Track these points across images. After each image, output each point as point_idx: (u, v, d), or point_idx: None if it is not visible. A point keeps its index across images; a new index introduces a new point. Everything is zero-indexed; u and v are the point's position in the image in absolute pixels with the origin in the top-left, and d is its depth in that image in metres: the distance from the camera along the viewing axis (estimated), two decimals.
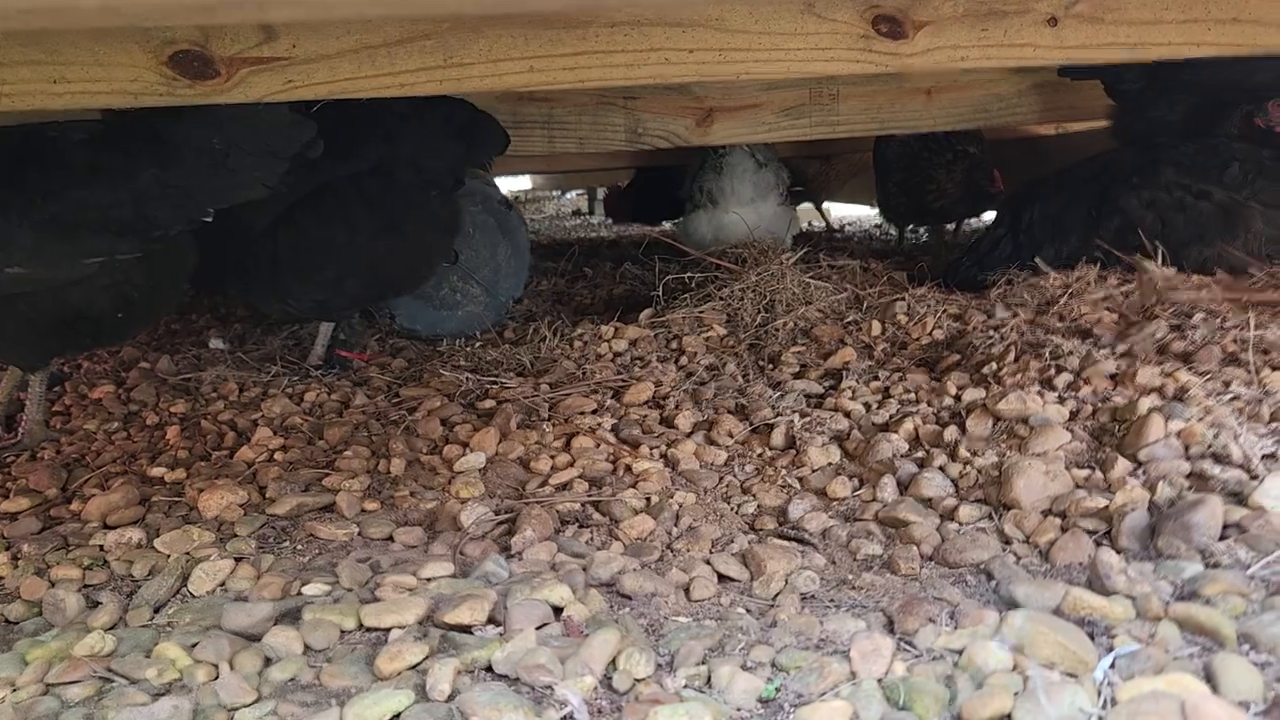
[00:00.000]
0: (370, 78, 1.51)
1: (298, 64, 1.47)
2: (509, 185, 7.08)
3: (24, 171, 1.49)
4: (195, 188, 1.56)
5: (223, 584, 1.17)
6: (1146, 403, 1.40)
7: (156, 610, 1.12)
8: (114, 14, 0.63)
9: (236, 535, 1.30)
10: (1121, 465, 1.27)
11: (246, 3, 0.60)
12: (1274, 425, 1.34)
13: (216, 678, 0.95)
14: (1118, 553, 1.07)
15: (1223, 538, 1.08)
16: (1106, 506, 1.18)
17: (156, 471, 1.55)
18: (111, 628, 1.07)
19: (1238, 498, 1.15)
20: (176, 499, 1.44)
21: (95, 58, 1.40)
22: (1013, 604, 0.99)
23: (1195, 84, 2.30)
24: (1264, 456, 1.25)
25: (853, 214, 5.68)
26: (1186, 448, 1.30)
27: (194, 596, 1.15)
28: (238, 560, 1.21)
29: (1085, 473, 1.28)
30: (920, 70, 1.64)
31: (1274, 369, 1.50)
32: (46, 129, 1.54)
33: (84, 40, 1.39)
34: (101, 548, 1.29)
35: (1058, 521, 1.19)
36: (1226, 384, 1.48)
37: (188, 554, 1.24)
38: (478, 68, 1.52)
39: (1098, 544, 1.13)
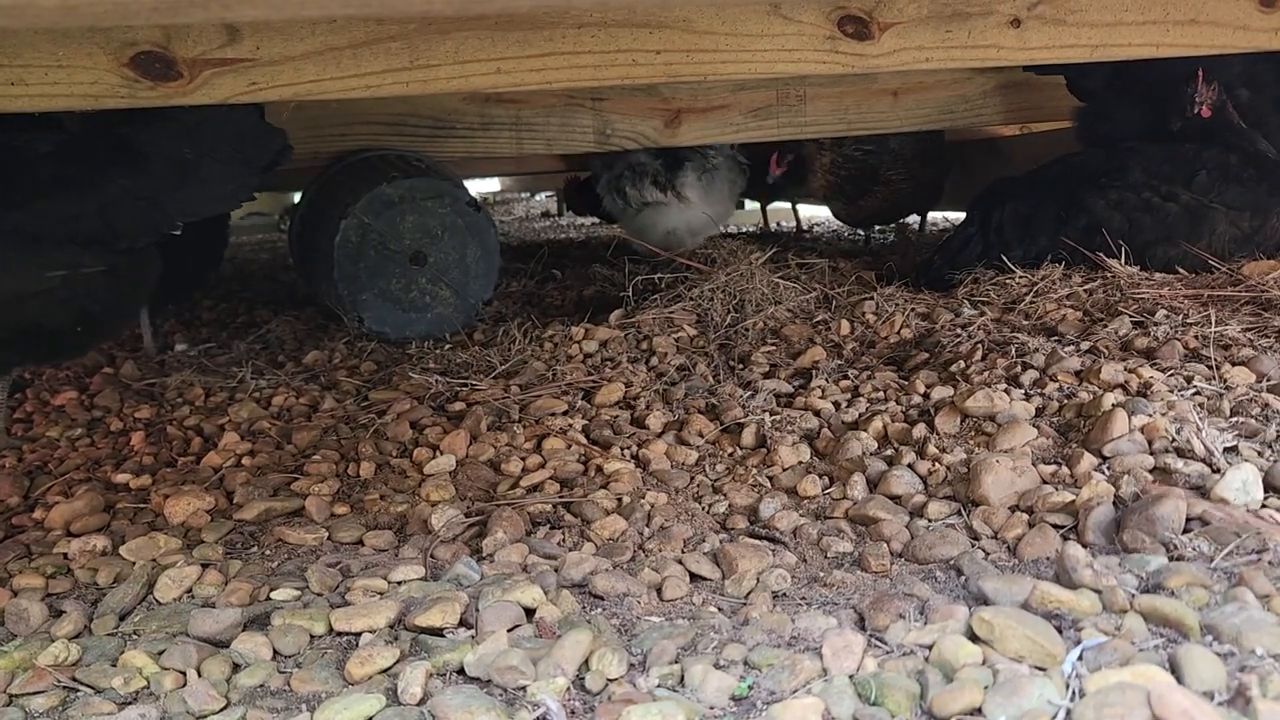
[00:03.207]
0: (335, 79, 1.50)
1: (261, 66, 1.46)
2: (477, 187, 7.06)
3: None
4: (165, 198, 1.53)
5: (189, 590, 1.15)
6: (1111, 399, 1.41)
7: (122, 618, 1.10)
8: (73, 13, 0.62)
9: (203, 541, 1.29)
10: (1087, 461, 1.28)
11: (211, 2, 0.59)
12: (1235, 419, 1.36)
13: (184, 685, 0.94)
14: (1084, 547, 1.08)
15: (1186, 530, 1.09)
16: (1073, 502, 1.20)
17: (121, 478, 1.53)
18: (76, 636, 1.06)
19: (1200, 491, 1.17)
20: (142, 506, 1.42)
21: (55, 60, 1.38)
22: (982, 599, 0.99)
23: (1145, 83, 2.34)
24: (1225, 450, 1.27)
25: (821, 214, 5.70)
26: (1150, 442, 1.31)
27: (160, 604, 1.13)
28: (205, 566, 1.19)
29: (1052, 468, 1.30)
30: (886, 71, 1.65)
31: (1234, 364, 1.53)
32: (10, 138, 1.51)
33: (44, 42, 1.37)
34: (65, 556, 1.27)
35: (1025, 517, 1.20)
36: (1189, 379, 1.50)
37: (154, 561, 1.23)
38: (444, 69, 1.52)
39: (1065, 539, 1.14)
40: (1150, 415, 1.35)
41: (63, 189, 1.47)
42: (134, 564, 1.22)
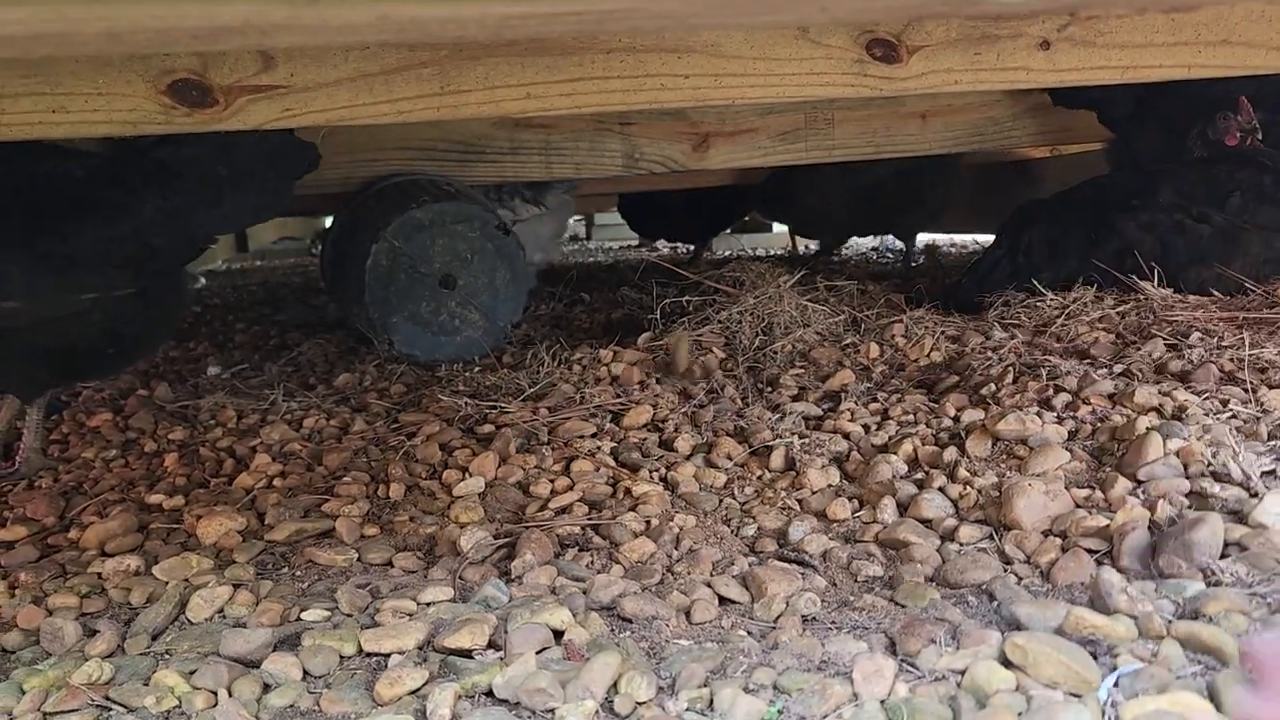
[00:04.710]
0: (368, 105, 1.52)
1: (296, 92, 1.48)
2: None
3: (22, 206, 1.49)
4: (199, 216, 1.56)
5: (221, 610, 1.16)
6: (1145, 422, 1.40)
7: (154, 638, 1.11)
8: (116, 40, 0.64)
9: (235, 562, 1.30)
10: (1121, 484, 1.27)
11: (250, 29, 0.61)
12: (1272, 443, 1.34)
13: (215, 704, 0.95)
14: (1119, 572, 1.07)
15: (1224, 556, 1.08)
16: (1107, 526, 1.18)
17: (155, 499, 1.54)
18: (109, 655, 1.07)
19: (1238, 516, 1.15)
20: (175, 526, 1.43)
21: (95, 87, 1.41)
22: (1015, 624, 0.98)
23: (1168, 108, 2.33)
24: (1263, 474, 1.25)
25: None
26: (1186, 466, 1.30)
27: (192, 623, 1.14)
28: (236, 586, 1.20)
29: (1085, 492, 1.28)
30: (914, 94, 1.65)
31: (1271, 387, 1.50)
32: (46, 161, 1.54)
33: (84, 70, 1.40)
34: (99, 575, 1.28)
35: (1058, 541, 1.19)
36: (1224, 403, 1.48)
37: (186, 581, 1.24)
38: (475, 94, 1.53)
39: (1099, 563, 1.12)
40: (1185, 439, 1.33)
41: (99, 212, 1.50)
42: (167, 584, 1.23)
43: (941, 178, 3.47)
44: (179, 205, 1.53)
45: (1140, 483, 1.28)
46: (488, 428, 1.77)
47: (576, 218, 8.03)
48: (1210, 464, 1.28)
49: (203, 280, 4.82)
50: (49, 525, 1.49)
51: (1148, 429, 1.36)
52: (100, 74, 1.41)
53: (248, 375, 2.38)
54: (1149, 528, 1.16)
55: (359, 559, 1.31)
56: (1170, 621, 0.95)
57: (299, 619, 1.13)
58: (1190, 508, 1.20)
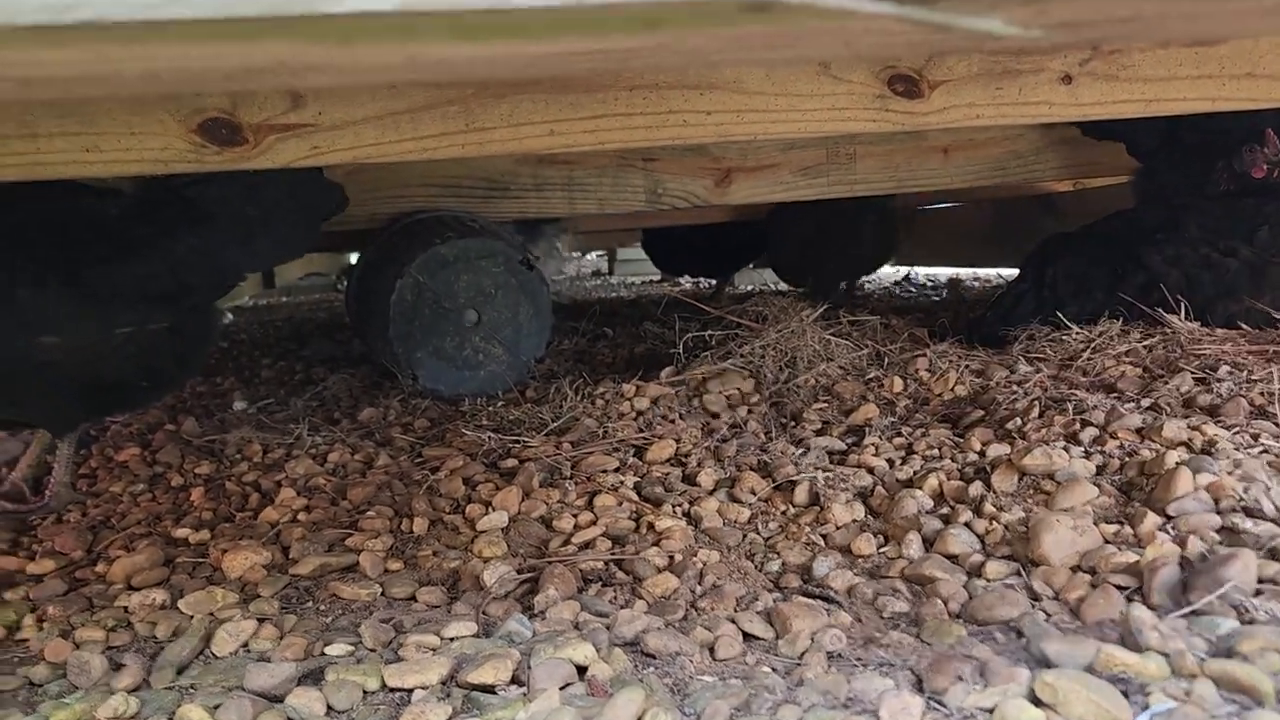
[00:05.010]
0: (394, 143, 1.54)
1: (323, 130, 1.51)
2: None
3: (60, 243, 1.52)
4: (231, 254, 1.58)
5: (245, 645, 1.16)
6: (1174, 457, 1.38)
7: (179, 672, 1.11)
8: (153, 80, 0.66)
9: (260, 596, 1.30)
10: (1151, 520, 1.25)
11: (283, 69, 0.62)
12: None
13: None
14: (1150, 609, 1.05)
15: (1258, 593, 1.06)
16: (1137, 562, 1.17)
17: (181, 533, 1.55)
18: (135, 689, 1.07)
19: (1271, 552, 1.14)
20: (200, 560, 1.44)
21: (128, 127, 1.44)
22: (1044, 661, 0.97)
23: (1195, 141, 2.32)
24: None
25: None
26: (1216, 501, 1.28)
27: (217, 658, 1.14)
28: (261, 621, 1.20)
29: (1114, 528, 1.27)
30: (936, 128, 1.66)
31: None
32: (82, 199, 1.58)
33: (117, 110, 1.43)
34: (126, 609, 1.29)
35: (1087, 577, 1.17)
36: (1255, 437, 1.46)
37: (211, 615, 1.24)
38: (499, 132, 1.55)
39: (1129, 600, 1.11)
40: (1216, 474, 1.32)
41: (135, 249, 1.52)
42: (192, 618, 1.24)
43: (857, 228, 3.60)
44: (211, 243, 1.55)
45: (1170, 518, 1.26)
46: (511, 462, 1.78)
47: (599, 253, 8.09)
48: (1242, 499, 1.26)
49: (230, 316, 4.87)
50: (77, 559, 1.50)
51: (1177, 464, 1.34)
52: (133, 114, 1.44)
53: (273, 410, 2.40)
54: (1180, 564, 1.14)
55: (383, 593, 1.31)
56: (1203, 660, 0.93)
57: (323, 653, 1.13)
58: (1222, 544, 1.18)
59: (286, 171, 1.53)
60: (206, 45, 0.55)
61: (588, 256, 8.38)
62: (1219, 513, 1.25)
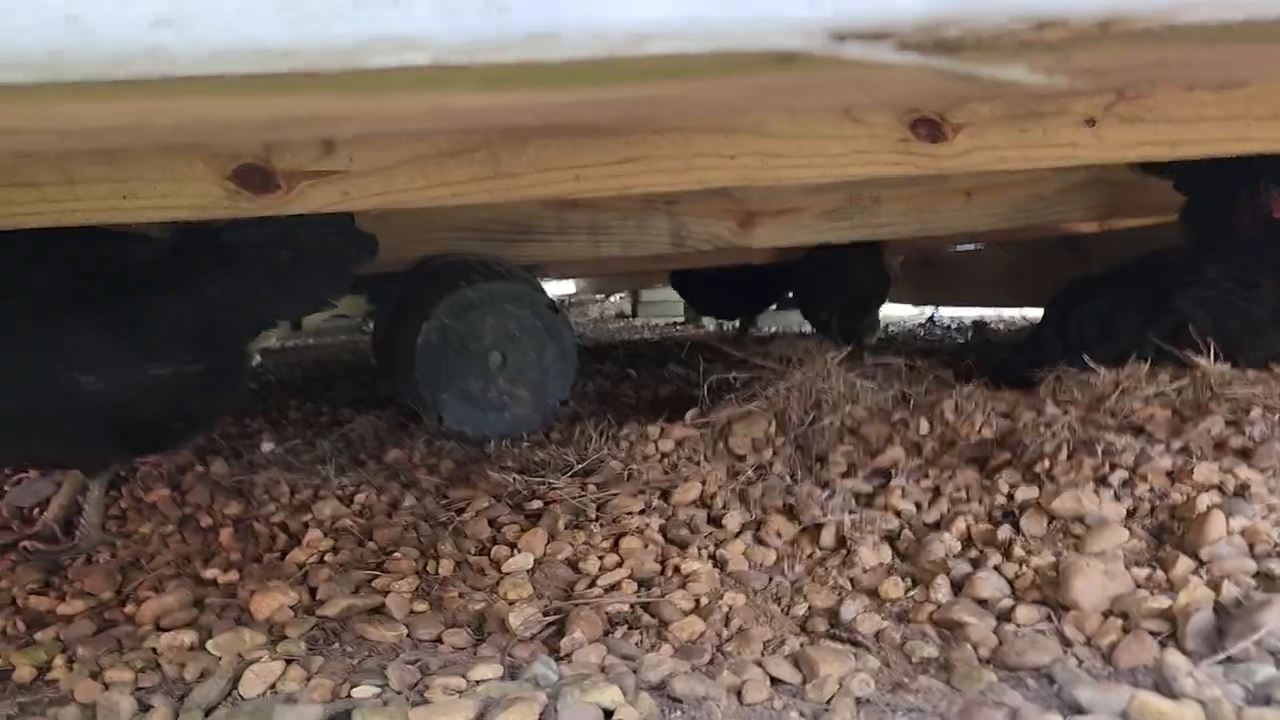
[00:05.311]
0: (423, 188, 1.57)
1: (354, 176, 1.53)
2: (554, 289, 7.20)
3: (99, 285, 1.55)
4: (266, 299, 1.61)
5: (273, 686, 1.16)
6: (1206, 500, 1.37)
7: (207, 713, 1.12)
8: (189, 131, 0.68)
9: (287, 637, 1.31)
10: (1183, 564, 1.24)
11: (316, 120, 0.64)
12: None
13: None
14: (1184, 655, 1.04)
15: None
16: (1170, 607, 1.15)
17: (210, 574, 1.56)
18: None
19: None
20: (229, 601, 1.45)
21: (164, 174, 1.47)
22: (1076, 708, 0.96)
23: (1230, 178, 2.29)
24: None
25: (896, 314, 5.69)
26: (1251, 546, 1.26)
27: (244, 699, 1.14)
28: (288, 662, 1.21)
29: (1146, 572, 1.25)
30: (959, 172, 1.66)
31: None
32: (120, 242, 1.61)
33: (153, 157, 1.46)
34: (154, 650, 1.29)
35: (1119, 623, 1.16)
36: None
37: (239, 656, 1.25)
38: (526, 177, 1.57)
39: (1162, 646, 1.09)
40: (1250, 518, 1.30)
41: (171, 292, 1.55)
42: (220, 659, 1.24)
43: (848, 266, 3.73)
44: (245, 286, 1.58)
45: (1203, 563, 1.24)
46: (536, 504, 1.78)
47: (621, 295, 8.11)
48: (1277, 544, 1.25)
49: (258, 358, 4.92)
50: (106, 600, 1.51)
51: (1209, 507, 1.33)
52: (169, 161, 1.47)
53: (301, 451, 2.41)
54: (1214, 609, 1.12)
55: (409, 635, 1.31)
56: (1241, 707, 0.92)
57: (349, 695, 1.13)
58: (1257, 589, 1.16)
59: (319, 216, 1.55)
60: (244, 98, 0.56)
61: (611, 298, 8.42)
62: (1254, 557, 1.24)
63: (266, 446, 2.49)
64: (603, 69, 0.52)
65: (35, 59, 0.44)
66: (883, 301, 4.11)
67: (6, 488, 2.09)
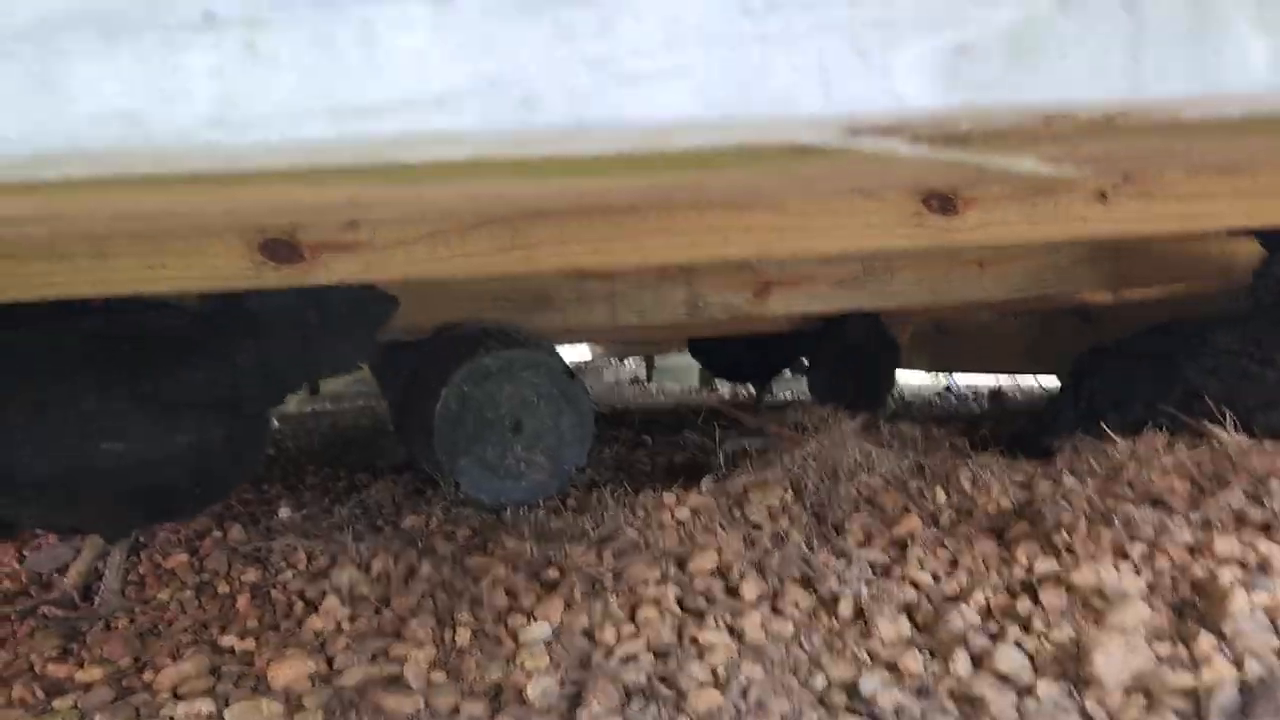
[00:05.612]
0: (444, 260, 1.60)
1: (377, 249, 1.57)
2: (568, 354, 7.24)
3: (125, 352, 1.58)
4: (291, 364, 1.64)
5: None
6: (1228, 575, 1.36)
7: None
8: (231, 215, 0.70)
9: (304, 707, 1.31)
10: (1206, 640, 1.23)
11: (349, 205, 0.66)
12: None
13: None
14: None
15: None
16: (1193, 683, 1.14)
17: (227, 641, 1.57)
18: None
19: None
20: (246, 669, 1.45)
21: (194, 247, 1.52)
22: None
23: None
24: None
25: (912, 382, 5.69)
26: (1273, 621, 1.25)
27: None
28: None
29: (1168, 648, 1.24)
30: (971, 244, 1.69)
31: None
32: (147, 310, 1.64)
33: (185, 230, 1.50)
34: (172, 718, 1.30)
35: (1142, 699, 1.15)
36: None
37: None
38: (545, 249, 1.61)
39: None
40: (1272, 593, 1.29)
41: (197, 358, 1.58)
42: None
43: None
44: (269, 352, 1.61)
45: (1226, 638, 1.23)
46: (553, 572, 1.78)
47: (636, 360, 8.15)
48: None
49: (275, 423, 4.95)
50: (124, 667, 1.52)
51: (1231, 582, 1.32)
52: (199, 234, 1.51)
53: (318, 517, 2.42)
54: (1238, 686, 1.11)
55: (426, 705, 1.31)
56: None
57: None
58: None
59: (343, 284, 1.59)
60: (289, 188, 0.59)
61: (626, 364, 8.45)
62: (1276, 633, 1.23)
63: (284, 512, 2.50)
64: (630, 161, 0.55)
65: (94, 154, 0.47)
66: (892, 368, 4.12)
67: (26, 552, 2.11)
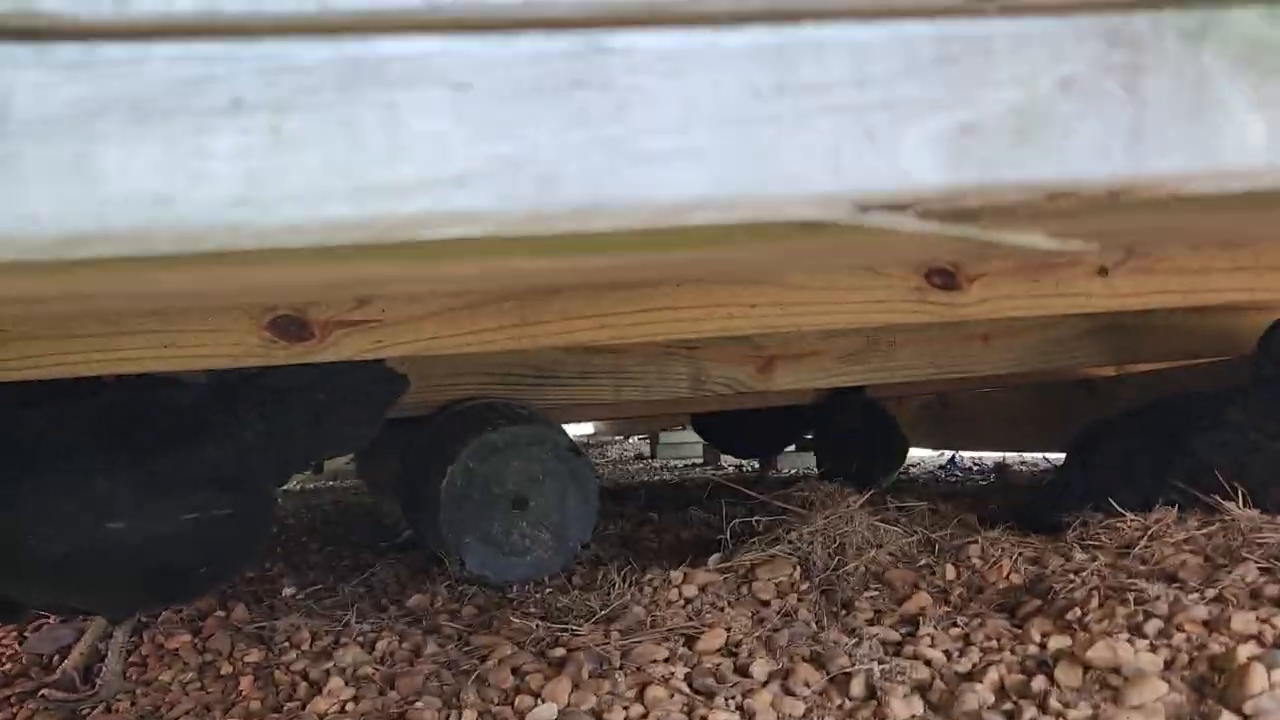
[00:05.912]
0: (452, 336, 1.62)
1: (386, 325, 1.59)
2: (573, 430, 7.22)
3: (131, 431, 1.59)
4: (299, 441, 1.64)
5: None
6: (1245, 651, 1.34)
7: None
8: (248, 292, 0.72)
9: None
10: (1226, 719, 1.20)
11: (365, 282, 0.68)
12: None
13: None
14: None
15: None
16: None
17: None
18: None
19: None
20: None
21: (204, 324, 1.53)
22: None
23: None
24: None
25: (917, 455, 5.67)
26: None
27: None
28: None
29: None
30: (974, 319, 1.70)
31: None
32: (156, 388, 1.65)
33: (195, 308, 1.52)
34: None
35: None
36: None
37: None
38: (552, 325, 1.62)
39: None
40: None
41: (205, 436, 1.58)
42: None
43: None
44: (279, 430, 1.62)
45: (1247, 716, 1.21)
46: (560, 651, 1.75)
47: (641, 436, 8.13)
48: None
49: (279, 501, 4.93)
50: None
51: (1249, 659, 1.30)
52: (209, 312, 1.53)
53: (322, 596, 2.40)
54: None
55: None
56: None
57: None
58: None
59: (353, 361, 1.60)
60: (302, 265, 0.60)
61: (630, 440, 8.43)
62: None
63: (287, 591, 2.48)
64: (644, 238, 0.56)
65: (122, 234, 0.48)
66: (890, 444, 4.11)
67: (26, 634, 2.08)
